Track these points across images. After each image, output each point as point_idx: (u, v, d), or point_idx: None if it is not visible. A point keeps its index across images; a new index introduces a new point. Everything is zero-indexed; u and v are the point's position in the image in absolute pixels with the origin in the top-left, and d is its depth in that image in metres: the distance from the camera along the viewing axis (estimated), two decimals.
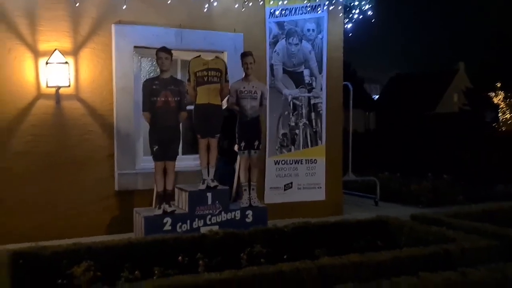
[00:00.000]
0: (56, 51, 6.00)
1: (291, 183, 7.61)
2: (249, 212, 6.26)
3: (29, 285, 3.36)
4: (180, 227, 5.90)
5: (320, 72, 7.74)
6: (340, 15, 7.81)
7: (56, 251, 3.87)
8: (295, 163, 7.63)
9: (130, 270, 3.99)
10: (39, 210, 6.06)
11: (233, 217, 6.18)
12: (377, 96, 40.61)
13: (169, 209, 5.92)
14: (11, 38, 5.92)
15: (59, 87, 6.06)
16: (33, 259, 3.80)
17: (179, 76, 6.53)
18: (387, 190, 9.38)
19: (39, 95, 6.08)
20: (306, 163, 7.69)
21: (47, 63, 5.97)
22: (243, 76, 6.35)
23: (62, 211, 6.17)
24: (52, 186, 6.15)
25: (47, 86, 6.03)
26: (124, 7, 6.28)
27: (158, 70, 6.11)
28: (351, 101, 9.11)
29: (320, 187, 7.77)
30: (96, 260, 3.92)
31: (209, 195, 6.09)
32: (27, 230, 5.88)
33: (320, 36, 7.72)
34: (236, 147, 6.45)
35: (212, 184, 6.15)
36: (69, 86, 6.11)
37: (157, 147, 5.91)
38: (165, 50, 5.96)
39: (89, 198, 6.31)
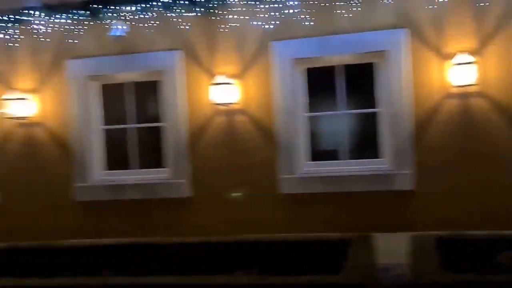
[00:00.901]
0: (463, 52, 6.41)
1: None
2: None
3: (454, 263, 3.88)
4: None
5: None
6: None
7: (475, 238, 4.29)
8: None
9: None
10: (454, 201, 6.54)
11: None
12: None
13: None
14: (421, 47, 6.65)
15: (466, 86, 6.41)
16: (454, 243, 4.32)
17: None
18: None
19: (446, 95, 6.60)
20: None
21: (453, 64, 6.41)
22: None
23: (475, 202, 6.47)
24: (464, 179, 6.55)
25: (453, 86, 6.49)
26: None
27: None
28: None
29: None
30: None
31: None
32: (445, 218, 6.44)
33: None
34: None
35: None
36: (476, 84, 6.41)
37: None
38: None
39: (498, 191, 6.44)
